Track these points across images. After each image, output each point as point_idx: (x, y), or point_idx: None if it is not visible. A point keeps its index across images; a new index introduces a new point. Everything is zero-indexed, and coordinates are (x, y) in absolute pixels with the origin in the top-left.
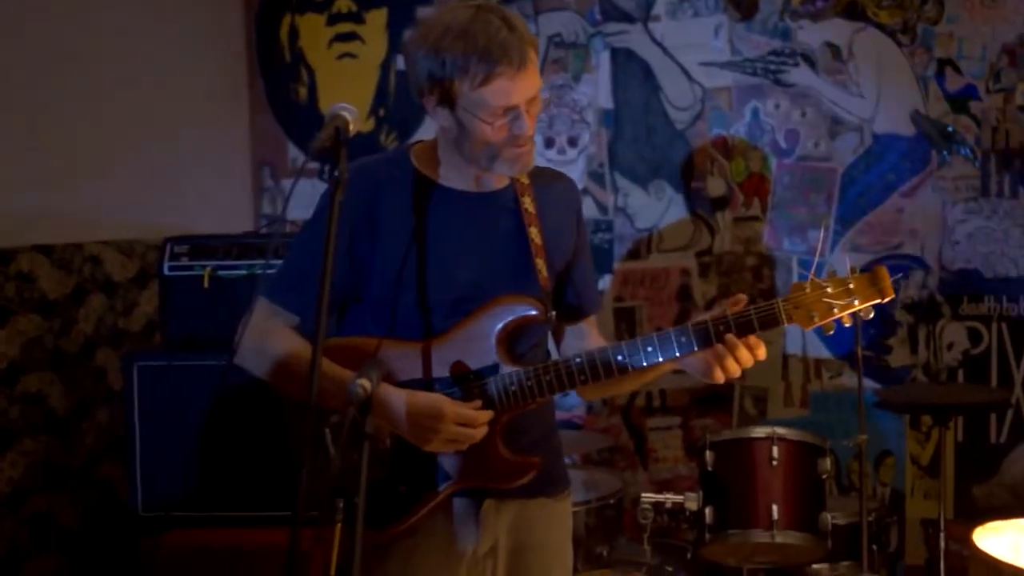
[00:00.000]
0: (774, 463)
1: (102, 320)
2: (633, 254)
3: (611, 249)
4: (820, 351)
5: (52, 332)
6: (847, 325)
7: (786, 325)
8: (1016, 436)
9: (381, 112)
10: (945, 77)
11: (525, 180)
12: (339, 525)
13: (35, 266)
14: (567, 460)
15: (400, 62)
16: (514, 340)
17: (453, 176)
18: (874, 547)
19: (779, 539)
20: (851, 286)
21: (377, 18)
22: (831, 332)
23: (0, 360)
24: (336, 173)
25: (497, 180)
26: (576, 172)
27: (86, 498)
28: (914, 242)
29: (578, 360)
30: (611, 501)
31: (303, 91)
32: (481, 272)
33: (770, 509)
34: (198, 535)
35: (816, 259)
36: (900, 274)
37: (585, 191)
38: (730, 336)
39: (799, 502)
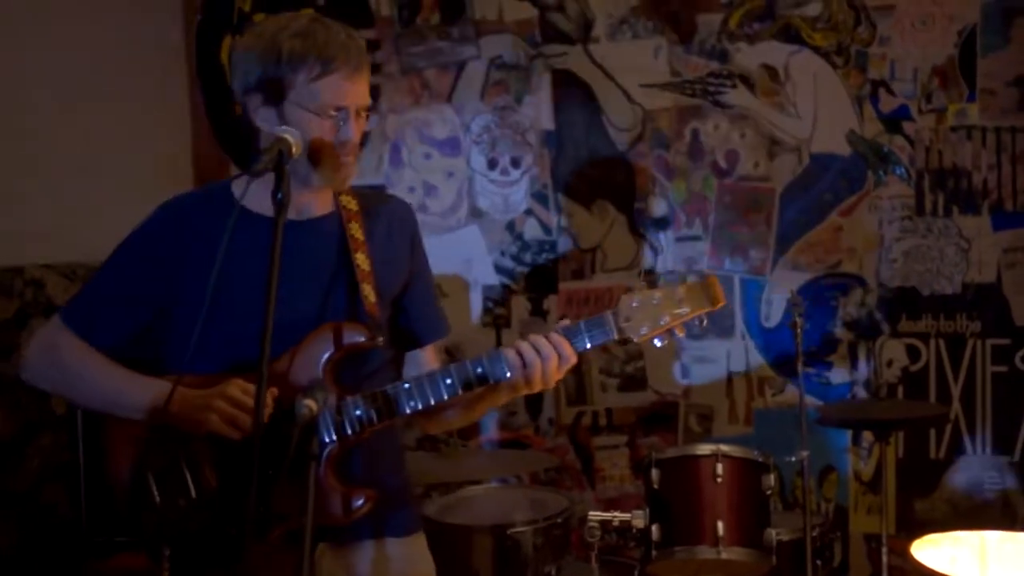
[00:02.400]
0: (719, 480)
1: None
2: (577, 274)
3: (555, 269)
4: (764, 369)
5: None
6: (680, 335)
7: (616, 338)
8: (955, 451)
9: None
10: (879, 98)
11: (353, 206)
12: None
13: None
14: (510, 480)
15: None
16: (346, 369)
17: (266, 202)
18: (818, 562)
19: (725, 555)
20: (681, 295)
21: None
22: (664, 344)
23: None
24: (280, 196)
25: (319, 205)
26: (519, 193)
27: (31, 522)
28: (852, 260)
29: (406, 385)
30: (558, 520)
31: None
32: (303, 301)
33: (716, 526)
34: (144, 559)
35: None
36: None
37: (529, 212)
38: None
39: (744, 518)
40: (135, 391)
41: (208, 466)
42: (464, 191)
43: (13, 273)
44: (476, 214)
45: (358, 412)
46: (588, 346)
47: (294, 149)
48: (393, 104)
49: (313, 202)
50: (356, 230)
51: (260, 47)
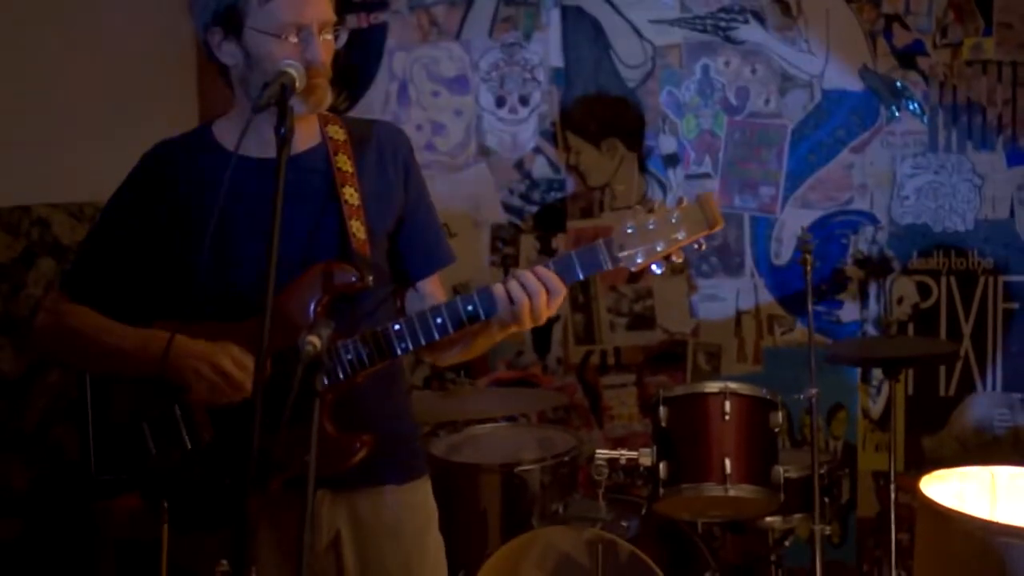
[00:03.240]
0: (727, 418)
1: (51, 283)
2: (586, 212)
3: (563, 207)
4: (773, 307)
5: (1, 296)
6: (677, 261)
7: (610, 267)
8: (964, 388)
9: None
10: (893, 33)
11: (341, 136)
12: (165, 527)
13: None
14: (518, 419)
15: (350, 21)
16: (339, 311)
17: (252, 142)
18: (826, 499)
19: (732, 492)
20: (676, 217)
21: None
22: (659, 272)
23: None
24: (283, 130)
25: (303, 138)
26: (528, 131)
27: (39, 461)
28: (864, 198)
29: (396, 327)
30: (566, 459)
31: None
32: (290, 242)
33: (723, 463)
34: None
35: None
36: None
37: (537, 150)
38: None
39: (752, 456)
40: (133, 348)
41: (203, 417)
42: (472, 129)
43: (20, 212)
44: (484, 152)
45: (349, 356)
46: (581, 277)
47: (297, 83)
48: (401, 41)
49: (296, 134)
50: (344, 162)
51: None
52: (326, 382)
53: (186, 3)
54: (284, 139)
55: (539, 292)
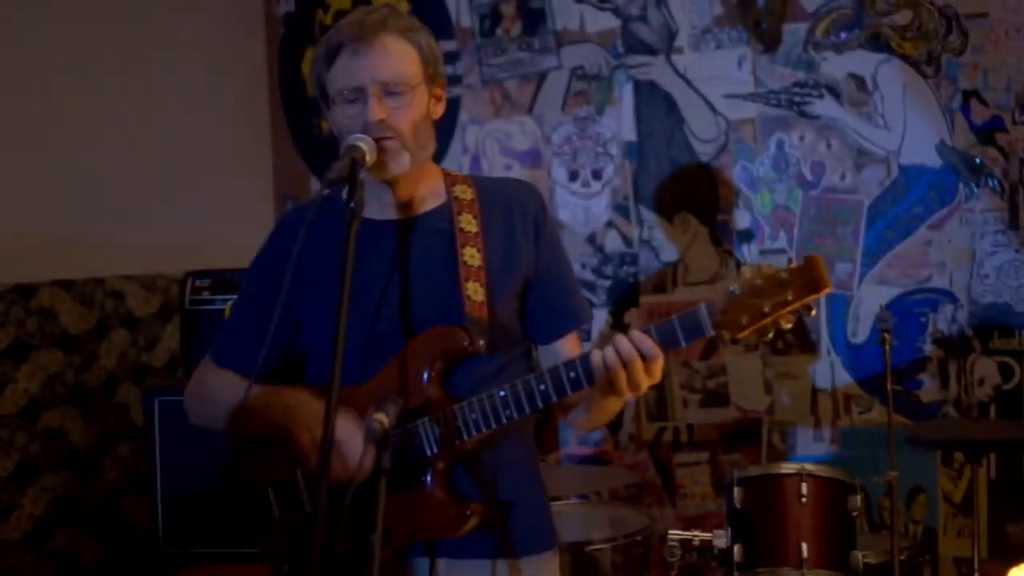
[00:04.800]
0: (803, 500)
1: (124, 355)
2: (658, 287)
3: (636, 282)
4: (850, 387)
5: (73, 367)
6: (786, 328)
7: (712, 333)
8: None
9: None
10: (971, 108)
11: (468, 195)
12: None
13: (56, 301)
14: (583, 498)
15: None
16: (456, 375)
17: (374, 205)
18: None
19: None
20: (783, 279)
21: None
22: (768, 338)
23: (21, 396)
24: (352, 204)
25: (422, 199)
26: (601, 205)
27: (108, 534)
28: (942, 275)
29: (502, 393)
30: (638, 538)
31: (326, 125)
32: (404, 306)
33: (800, 547)
34: (220, 570)
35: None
36: None
37: (610, 224)
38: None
39: (829, 540)
40: (264, 408)
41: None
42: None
43: (94, 284)
44: (557, 226)
45: (456, 422)
46: (683, 343)
47: (368, 157)
48: (473, 115)
49: (412, 196)
50: (468, 222)
51: (313, 60)
52: (435, 450)
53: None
54: (353, 213)
55: (632, 360)
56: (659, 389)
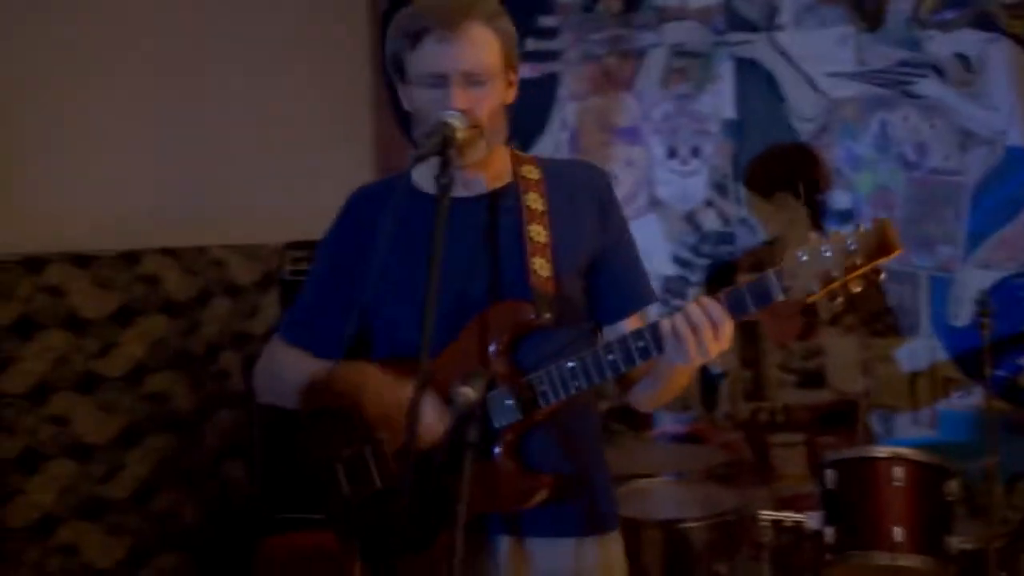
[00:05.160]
0: (896, 484)
1: (226, 323)
2: (756, 266)
3: (734, 261)
4: (950, 370)
5: (178, 333)
6: (855, 291)
7: (781, 298)
8: None
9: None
10: None
11: (535, 176)
12: (358, 565)
13: (161, 268)
14: (676, 476)
15: (523, 71)
16: (524, 349)
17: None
18: (1003, 574)
19: (901, 562)
20: (852, 243)
21: None
22: (838, 304)
23: (127, 360)
24: (443, 180)
25: (491, 178)
26: (699, 183)
27: (208, 497)
28: None
29: (570, 364)
30: (730, 518)
31: None
32: (476, 280)
33: (892, 531)
34: (315, 537)
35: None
36: None
37: (708, 202)
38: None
39: (923, 525)
40: (332, 384)
41: (392, 457)
42: (643, 180)
43: (197, 252)
44: (655, 204)
45: (530, 394)
46: (753, 309)
47: (459, 134)
48: (573, 91)
49: (481, 176)
50: (535, 200)
51: (390, 29)
52: (504, 423)
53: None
54: (444, 188)
55: (702, 325)
56: (755, 369)
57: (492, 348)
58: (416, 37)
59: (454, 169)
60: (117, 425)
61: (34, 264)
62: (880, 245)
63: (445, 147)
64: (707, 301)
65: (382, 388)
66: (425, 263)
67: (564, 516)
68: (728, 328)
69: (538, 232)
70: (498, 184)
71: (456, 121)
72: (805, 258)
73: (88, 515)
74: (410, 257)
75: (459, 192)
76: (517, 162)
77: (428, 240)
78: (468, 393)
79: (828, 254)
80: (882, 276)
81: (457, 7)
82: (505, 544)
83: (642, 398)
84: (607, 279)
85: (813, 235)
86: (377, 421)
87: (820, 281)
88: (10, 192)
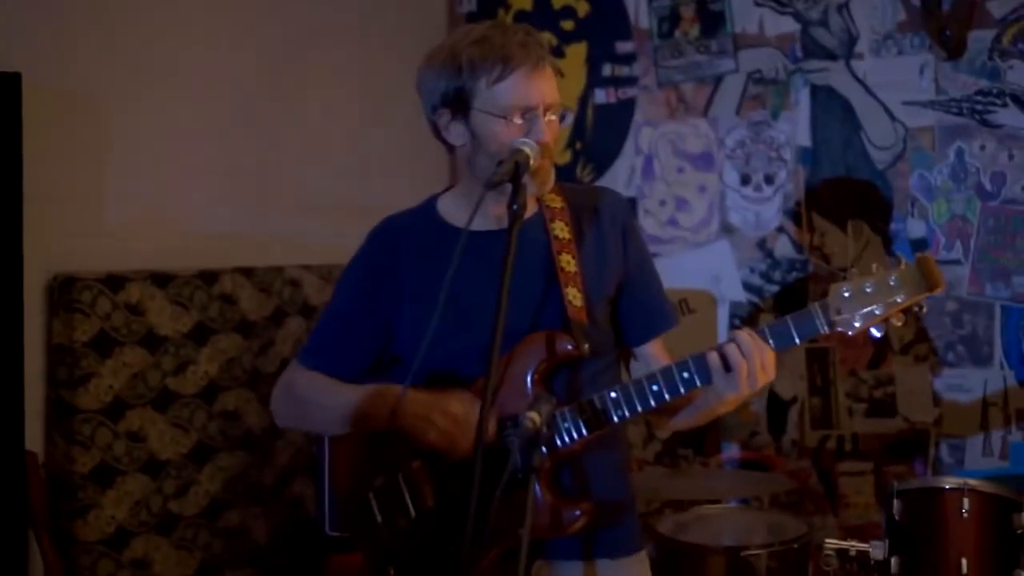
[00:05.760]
0: (965, 515)
1: (299, 342)
2: (827, 295)
3: (805, 288)
4: (1023, 400)
5: (251, 352)
6: (897, 324)
7: (827, 331)
8: None
9: (578, 145)
10: None
11: (558, 204)
12: None
13: (237, 287)
14: (742, 502)
15: (599, 96)
16: (557, 379)
17: (476, 217)
18: None
19: None
20: (895, 280)
21: (577, 52)
22: (879, 335)
23: (202, 377)
24: (515, 207)
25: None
26: (772, 209)
27: (277, 515)
28: None
29: (613, 394)
30: (795, 546)
31: None
32: (510, 312)
33: (960, 563)
34: None
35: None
36: None
37: (781, 229)
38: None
39: (991, 557)
40: (364, 402)
41: (426, 485)
42: (716, 206)
43: (273, 272)
44: (727, 229)
45: (566, 424)
46: (797, 341)
47: (532, 161)
48: (648, 117)
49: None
50: (561, 229)
51: (441, 61)
52: (544, 452)
53: (416, 84)
54: (516, 215)
55: (754, 354)
56: (824, 397)
57: (529, 377)
58: (501, 72)
59: (485, 202)
60: (190, 442)
61: (114, 282)
62: (923, 282)
63: (518, 174)
64: (753, 333)
65: (421, 398)
66: (461, 296)
67: (597, 539)
68: (772, 359)
69: (568, 261)
70: (527, 214)
71: (529, 149)
72: (847, 293)
73: (160, 530)
74: (432, 288)
75: (489, 225)
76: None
77: (463, 275)
78: (534, 418)
79: (870, 290)
80: (924, 310)
81: (535, 47)
82: (538, 569)
83: (678, 425)
84: (632, 304)
85: (855, 271)
86: (419, 428)
87: (864, 317)
88: (93, 212)
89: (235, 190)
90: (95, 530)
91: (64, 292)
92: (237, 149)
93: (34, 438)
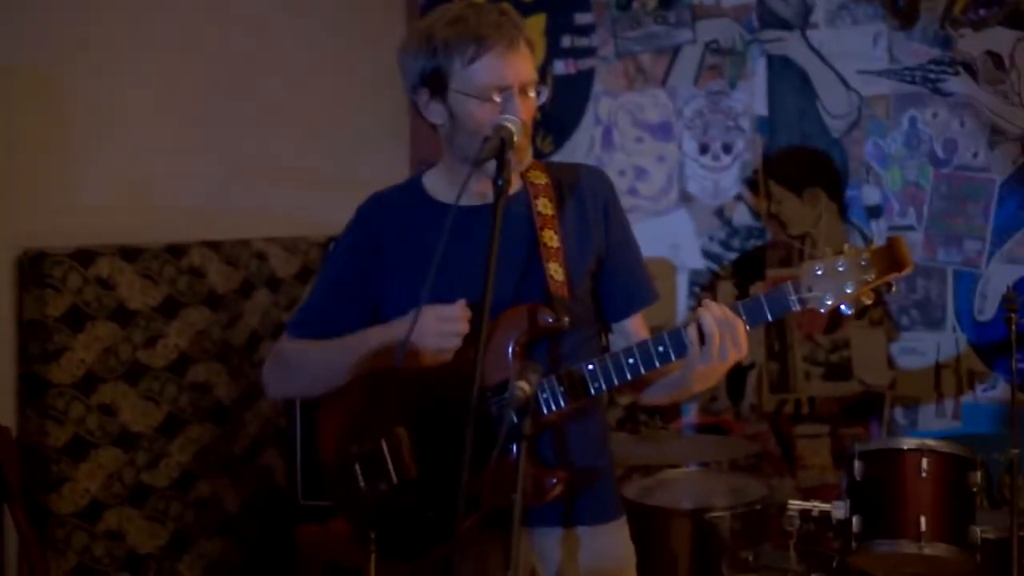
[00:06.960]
0: (923, 475)
1: (267, 314)
2: (785, 261)
3: (763, 256)
4: (975, 364)
5: (220, 325)
6: (867, 303)
7: (799, 309)
8: None
9: (537, 116)
10: None
11: (542, 180)
12: (373, 556)
13: (205, 261)
14: (708, 464)
15: (559, 67)
16: (537, 351)
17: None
18: None
19: (927, 551)
20: (865, 259)
21: (536, 24)
22: (849, 313)
23: (172, 351)
24: (500, 183)
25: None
26: (730, 178)
27: (247, 485)
28: None
29: (590, 367)
30: (757, 507)
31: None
32: (490, 287)
33: (918, 520)
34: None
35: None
36: None
37: (739, 197)
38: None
39: (948, 514)
40: (354, 344)
41: (408, 452)
42: (674, 175)
43: (240, 245)
44: (686, 199)
45: (544, 395)
46: (769, 318)
47: (516, 137)
48: (607, 88)
49: (488, 177)
50: (545, 206)
51: (416, 42)
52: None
53: (397, 63)
54: (501, 190)
55: (727, 323)
56: (782, 361)
57: (509, 349)
58: (475, 52)
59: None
60: (161, 414)
61: (84, 257)
62: (892, 262)
63: (503, 150)
64: (725, 308)
65: (402, 322)
66: (448, 270)
67: (574, 507)
68: (743, 333)
69: (550, 237)
70: (512, 190)
71: (512, 125)
72: (820, 272)
73: (133, 502)
74: (420, 263)
75: (474, 201)
76: (524, 168)
77: (437, 246)
78: (524, 387)
79: (842, 269)
80: (893, 289)
81: (510, 27)
82: (519, 535)
83: (652, 399)
84: (612, 279)
85: (828, 250)
86: (413, 340)
87: (835, 295)
88: (61, 187)
89: (201, 164)
90: (69, 503)
91: (35, 267)
92: (202, 123)
93: (7, 413)
